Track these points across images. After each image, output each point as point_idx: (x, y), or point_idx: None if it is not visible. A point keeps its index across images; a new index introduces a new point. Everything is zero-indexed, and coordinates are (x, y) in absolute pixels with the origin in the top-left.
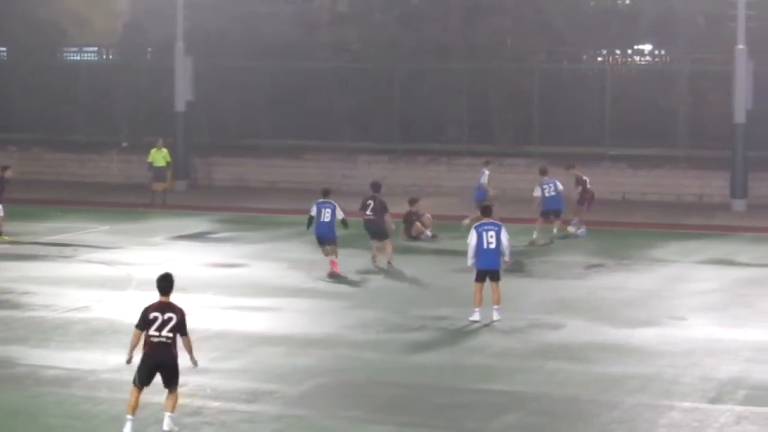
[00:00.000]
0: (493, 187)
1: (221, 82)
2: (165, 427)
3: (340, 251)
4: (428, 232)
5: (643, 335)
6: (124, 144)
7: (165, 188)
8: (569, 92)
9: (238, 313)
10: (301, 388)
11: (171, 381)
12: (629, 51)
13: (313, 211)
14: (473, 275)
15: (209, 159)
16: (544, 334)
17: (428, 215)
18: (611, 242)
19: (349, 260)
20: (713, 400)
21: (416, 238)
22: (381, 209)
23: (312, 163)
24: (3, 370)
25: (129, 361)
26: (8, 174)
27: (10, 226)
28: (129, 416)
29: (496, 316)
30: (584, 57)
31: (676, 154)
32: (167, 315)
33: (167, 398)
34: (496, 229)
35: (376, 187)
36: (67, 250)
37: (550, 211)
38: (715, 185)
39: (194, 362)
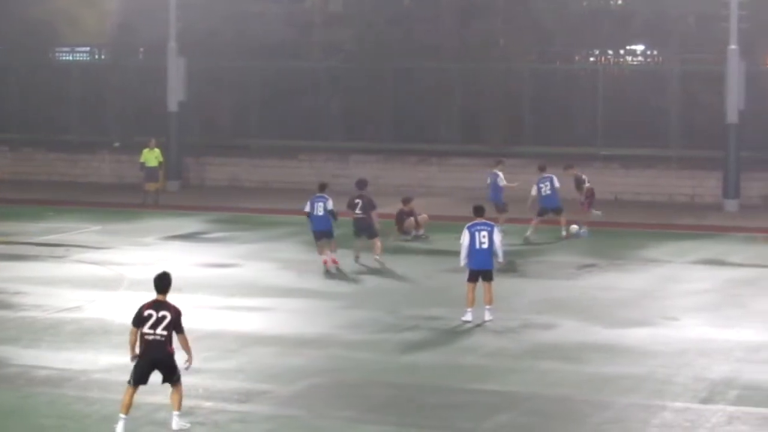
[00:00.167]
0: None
1: (214, 82)
2: (174, 426)
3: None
4: (421, 231)
5: (636, 335)
6: (116, 144)
7: (157, 188)
8: (561, 92)
9: (230, 313)
10: (294, 388)
11: (170, 377)
12: (621, 51)
13: (308, 207)
14: (466, 275)
15: (202, 159)
16: (537, 334)
17: (425, 215)
18: (604, 242)
19: (341, 260)
20: (705, 400)
21: (407, 232)
22: (369, 207)
23: (304, 163)
24: None
25: (133, 359)
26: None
27: (2, 226)
28: (122, 415)
29: (488, 316)
30: (576, 57)
31: (669, 154)
32: (161, 313)
33: (171, 395)
34: (489, 229)
35: (362, 184)
36: (59, 251)
37: (548, 209)
38: (708, 185)
39: (189, 361)
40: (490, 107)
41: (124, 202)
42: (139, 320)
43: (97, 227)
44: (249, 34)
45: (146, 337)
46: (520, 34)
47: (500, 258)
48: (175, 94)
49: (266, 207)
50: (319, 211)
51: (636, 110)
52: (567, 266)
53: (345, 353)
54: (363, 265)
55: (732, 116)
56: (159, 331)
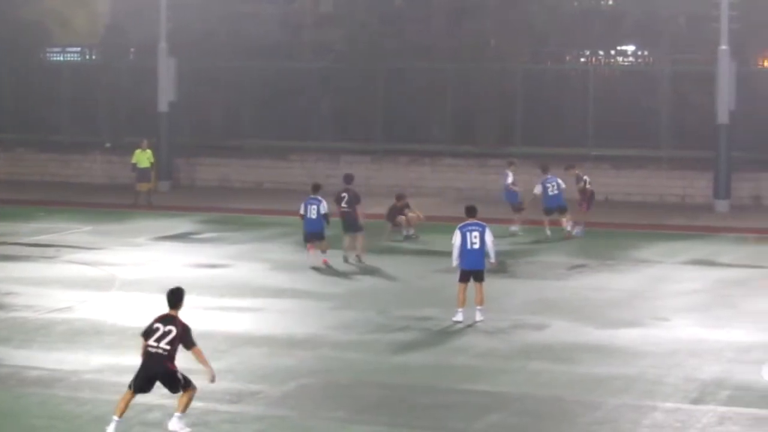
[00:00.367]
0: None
1: (205, 82)
2: (170, 427)
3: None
4: (411, 230)
5: (627, 336)
6: (108, 144)
7: (149, 189)
8: (552, 93)
9: (221, 314)
10: (285, 388)
11: (174, 388)
12: (612, 52)
13: (302, 210)
14: (457, 275)
15: (192, 159)
16: (528, 334)
17: (417, 214)
18: (595, 243)
19: (331, 260)
20: (696, 401)
21: (398, 226)
22: (355, 200)
23: (296, 164)
24: None
25: None
26: None
27: None
28: (115, 417)
29: (479, 317)
30: (567, 58)
31: (659, 154)
32: (168, 327)
33: (180, 396)
34: (480, 229)
35: (348, 179)
36: (50, 251)
37: (553, 208)
38: (698, 186)
39: (211, 376)
40: (482, 108)
41: (115, 202)
42: (148, 332)
43: (89, 228)
44: (240, 35)
45: (149, 349)
46: (512, 34)
47: (492, 258)
48: (165, 95)
49: (257, 207)
50: (312, 213)
51: (627, 111)
52: (558, 267)
53: (336, 354)
54: (353, 264)
55: (723, 117)
56: (162, 345)
